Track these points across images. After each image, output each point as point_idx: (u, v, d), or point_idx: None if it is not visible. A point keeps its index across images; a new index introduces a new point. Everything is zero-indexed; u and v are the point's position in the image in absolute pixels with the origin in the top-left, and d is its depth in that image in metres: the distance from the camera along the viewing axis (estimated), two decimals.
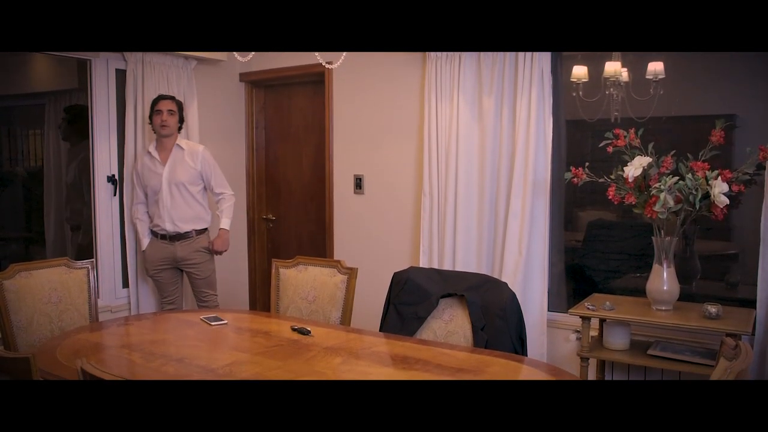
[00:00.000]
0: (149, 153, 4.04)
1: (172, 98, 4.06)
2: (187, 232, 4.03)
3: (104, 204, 4.27)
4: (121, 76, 4.28)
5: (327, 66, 3.33)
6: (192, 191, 4.04)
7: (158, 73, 4.33)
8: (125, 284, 4.39)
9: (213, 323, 3.05)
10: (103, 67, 4.20)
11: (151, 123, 4.05)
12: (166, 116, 3.98)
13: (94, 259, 4.15)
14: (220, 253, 4.13)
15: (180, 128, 4.11)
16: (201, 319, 3.12)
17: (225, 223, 4.11)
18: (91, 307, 3.35)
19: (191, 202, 4.05)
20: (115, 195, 4.31)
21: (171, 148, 4.04)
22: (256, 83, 5.15)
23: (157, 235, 4.05)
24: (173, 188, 3.99)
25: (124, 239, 4.34)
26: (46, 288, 3.22)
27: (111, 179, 4.28)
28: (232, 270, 5.15)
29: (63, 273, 3.31)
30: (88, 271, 3.37)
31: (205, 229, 4.12)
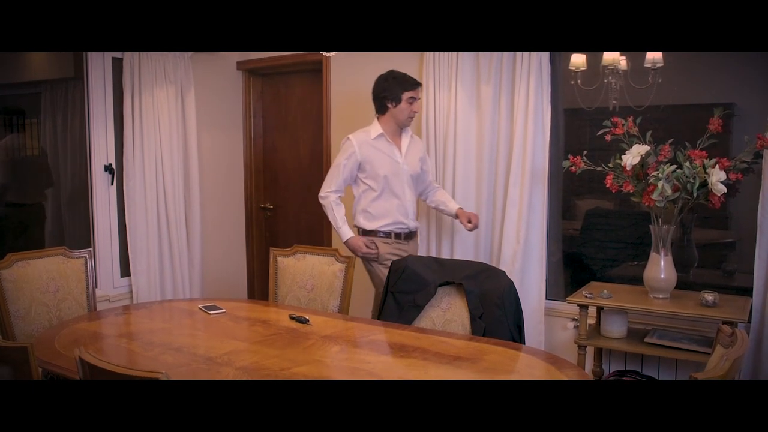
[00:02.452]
0: (383, 136, 3.54)
1: (421, 84, 3.62)
2: (416, 228, 3.70)
3: (101, 193, 4.26)
4: (117, 64, 4.26)
5: (325, 54, 3.31)
6: (417, 182, 3.68)
7: (155, 61, 4.31)
8: (123, 274, 4.39)
9: (211, 312, 3.05)
10: (99, 56, 4.18)
11: (389, 105, 3.51)
12: (418, 107, 3.58)
13: (92, 249, 4.15)
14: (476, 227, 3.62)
15: None
16: (199, 308, 3.12)
17: (455, 203, 3.69)
18: (89, 297, 3.35)
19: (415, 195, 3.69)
20: (112, 184, 4.30)
21: (401, 134, 3.62)
22: (253, 71, 5.13)
23: (390, 234, 3.55)
24: (411, 181, 3.59)
25: (124, 228, 4.34)
26: (43, 277, 3.22)
27: (108, 168, 4.27)
28: (230, 259, 5.17)
29: (61, 262, 3.31)
30: (86, 260, 3.37)
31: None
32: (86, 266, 3.36)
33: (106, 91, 4.23)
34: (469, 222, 3.54)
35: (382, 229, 3.54)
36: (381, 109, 3.56)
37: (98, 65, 4.18)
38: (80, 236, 4.42)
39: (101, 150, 4.25)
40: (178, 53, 4.43)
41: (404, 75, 3.51)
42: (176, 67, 4.43)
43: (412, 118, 3.54)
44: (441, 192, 3.78)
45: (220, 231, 5.04)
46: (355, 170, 3.56)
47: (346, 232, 3.53)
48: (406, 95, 3.47)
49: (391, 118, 3.54)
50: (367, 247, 3.49)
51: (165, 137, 4.40)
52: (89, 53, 4.14)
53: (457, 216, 3.64)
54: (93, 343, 2.62)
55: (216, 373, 2.25)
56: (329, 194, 3.56)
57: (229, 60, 5.03)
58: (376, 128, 3.56)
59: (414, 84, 3.50)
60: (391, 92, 3.49)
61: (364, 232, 3.58)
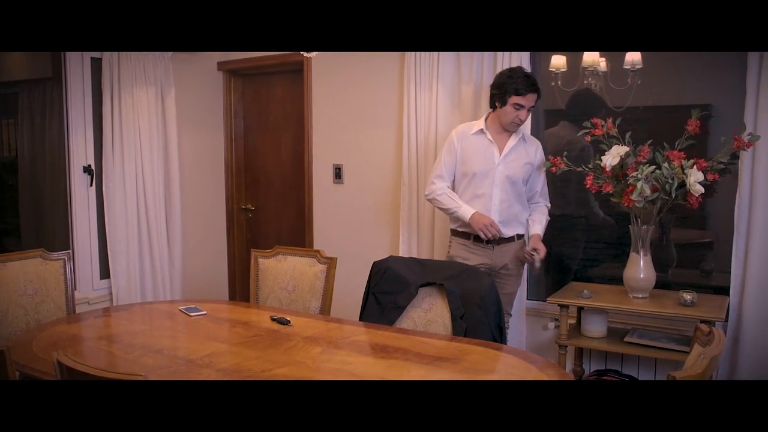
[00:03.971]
0: (482, 132, 3.33)
1: (539, 91, 3.25)
2: (511, 236, 3.37)
3: (80, 194, 4.22)
4: (96, 64, 4.22)
5: (305, 55, 3.31)
6: (521, 189, 3.36)
7: (135, 61, 4.27)
8: (102, 275, 4.35)
9: (192, 314, 3.03)
10: (77, 56, 4.14)
11: (495, 106, 3.27)
12: (525, 115, 3.25)
13: (70, 251, 4.10)
14: (542, 260, 3.30)
15: None
16: (180, 310, 3.10)
17: (539, 229, 3.37)
18: (68, 299, 3.31)
19: (521, 201, 3.38)
20: (91, 185, 4.26)
21: (509, 135, 3.34)
22: (234, 72, 5.11)
23: (470, 236, 3.36)
24: (507, 184, 3.30)
25: (103, 230, 4.29)
26: (21, 280, 3.18)
27: (87, 169, 4.22)
28: (211, 260, 5.14)
29: (39, 264, 3.27)
30: (65, 262, 3.33)
31: (523, 234, 3.44)
32: (65, 268, 3.32)
33: (84, 92, 4.20)
34: (533, 251, 3.25)
35: (458, 228, 3.39)
36: (491, 105, 3.32)
37: (77, 65, 4.14)
38: (59, 238, 4.38)
39: (80, 151, 4.20)
40: (158, 53, 4.39)
41: (521, 77, 3.19)
42: (156, 67, 4.40)
43: (517, 124, 3.26)
44: (539, 213, 3.45)
45: (200, 232, 5.01)
46: (455, 160, 3.36)
47: (468, 210, 3.27)
48: (512, 99, 3.18)
49: (497, 118, 3.31)
50: (491, 226, 3.22)
51: (145, 138, 4.37)
52: (68, 53, 4.09)
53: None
54: (72, 346, 2.59)
55: (197, 375, 2.23)
56: (432, 184, 3.39)
57: (210, 60, 5.01)
58: (479, 123, 3.35)
59: (525, 90, 3.17)
60: (500, 91, 3.22)
61: (452, 231, 3.46)
